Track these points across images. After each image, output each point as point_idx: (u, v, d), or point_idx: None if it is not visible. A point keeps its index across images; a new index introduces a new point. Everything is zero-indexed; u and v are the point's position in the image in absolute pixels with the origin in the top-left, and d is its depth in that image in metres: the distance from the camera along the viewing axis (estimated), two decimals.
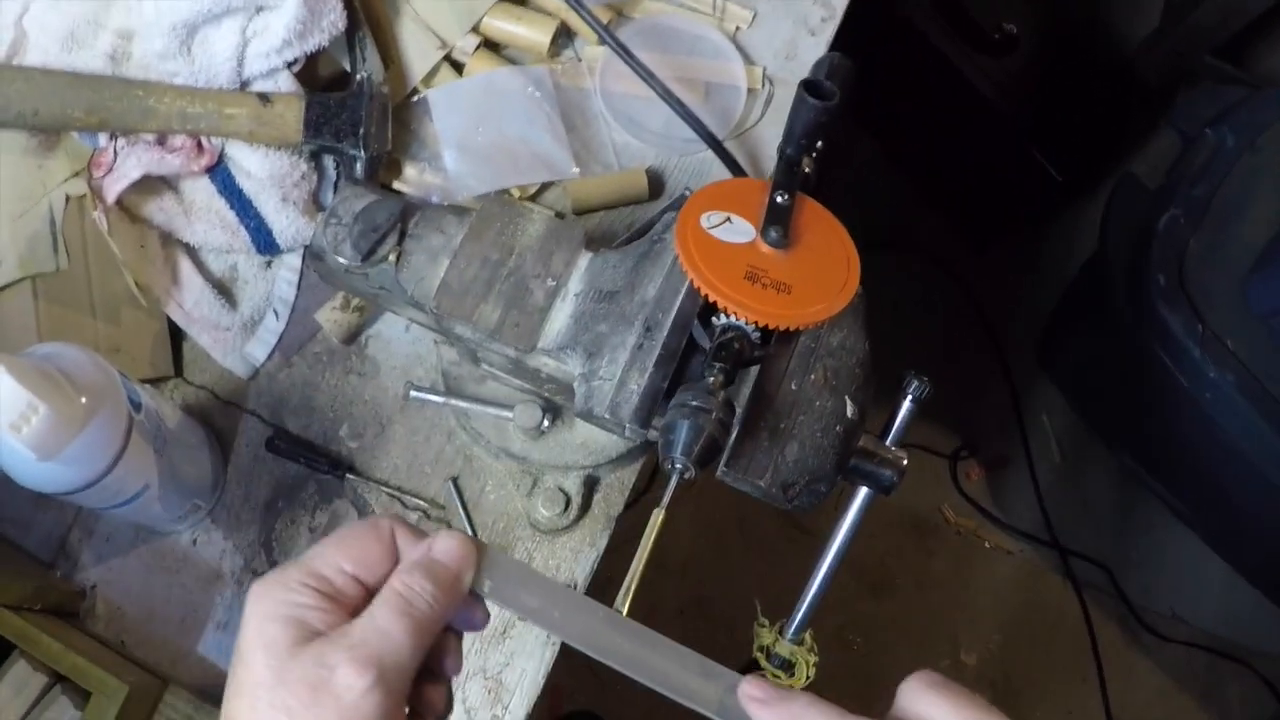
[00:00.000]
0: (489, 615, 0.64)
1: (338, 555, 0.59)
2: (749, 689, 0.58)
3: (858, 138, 2.51)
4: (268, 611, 0.56)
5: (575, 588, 0.98)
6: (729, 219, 0.78)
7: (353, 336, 1.04)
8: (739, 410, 0.78)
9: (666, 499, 0.69)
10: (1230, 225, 1.74)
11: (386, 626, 0.56)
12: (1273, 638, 2.30)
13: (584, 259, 0.85)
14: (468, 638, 0.95)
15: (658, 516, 0.68)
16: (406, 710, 0.58)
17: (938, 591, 2.39)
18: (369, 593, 0.59)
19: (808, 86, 0.81)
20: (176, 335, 1.03)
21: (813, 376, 0.80)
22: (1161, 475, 2.06)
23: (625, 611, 0.63)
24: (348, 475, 1.00)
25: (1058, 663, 2.36)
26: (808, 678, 0.94)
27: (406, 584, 0.58)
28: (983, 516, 2.44)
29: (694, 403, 0.71)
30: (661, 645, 0.61)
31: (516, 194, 1.07)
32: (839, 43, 1.19)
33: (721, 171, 1.08)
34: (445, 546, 0.60)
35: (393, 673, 0.55)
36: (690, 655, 0.61)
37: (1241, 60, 2.01)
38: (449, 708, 0.63)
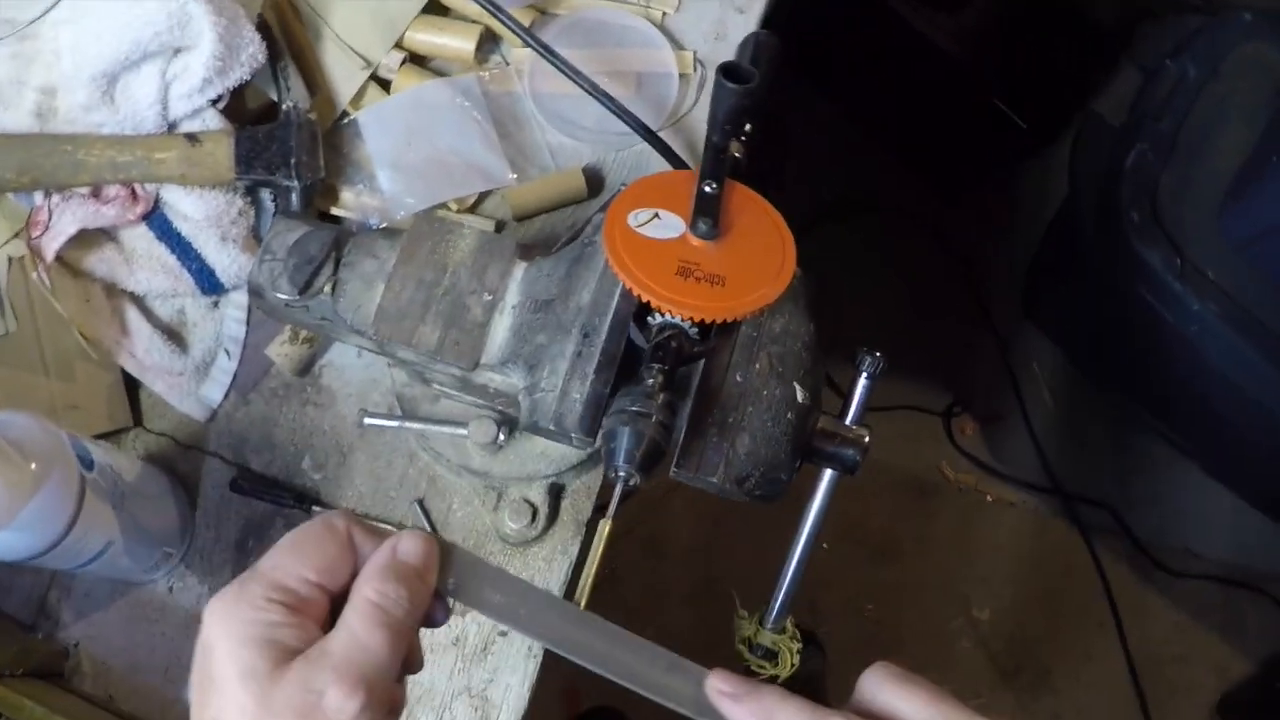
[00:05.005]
0: (450, 611, 0.62)
1: (298, 564, 0.57)
2: (717, 683, 0.57)
3: (819, 102, 2.49)
4: (237, 634, 0.54)
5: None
6: (656, 215, 0.77)
7: (306, 368, 1.03)
8: (687, 408, 0.77)
9: (613, 509, 0.69)
10: (1200, 156, 1.73)
11: (366, 640, 0.55)
12: None
13: (519, 269, 0.84)
14: (450, 658, 0.95)
15: (604, 527, 0.68)
16: None
17: (944, 551, 2.38)
18: (332, 597, 0.57)
19: (725, 71, 0.80)
20: (132, 385, 1.02)
21: (757, 366, 0.79)
22: (1156, 411, 2.05)
23: None
24: (314, 507, 0.99)
25: (1072, 609, 2.35)
26: (792, 665, 0.94)
27: (379, 590, 0.56)
28: (982, 470, 2.43)
29: (633, 408, 0.70)
30: (629, 641, 0.60)
31: (455, 207, 1.06)
32: (780, 14, 1.18)
33: (661, 162, 1.07)
34: (409, 547, 0.59)
35: (379, 686, 0.54)
36: (658, 650, 0.60)
37: None
38: (403, 701, 0.62)
